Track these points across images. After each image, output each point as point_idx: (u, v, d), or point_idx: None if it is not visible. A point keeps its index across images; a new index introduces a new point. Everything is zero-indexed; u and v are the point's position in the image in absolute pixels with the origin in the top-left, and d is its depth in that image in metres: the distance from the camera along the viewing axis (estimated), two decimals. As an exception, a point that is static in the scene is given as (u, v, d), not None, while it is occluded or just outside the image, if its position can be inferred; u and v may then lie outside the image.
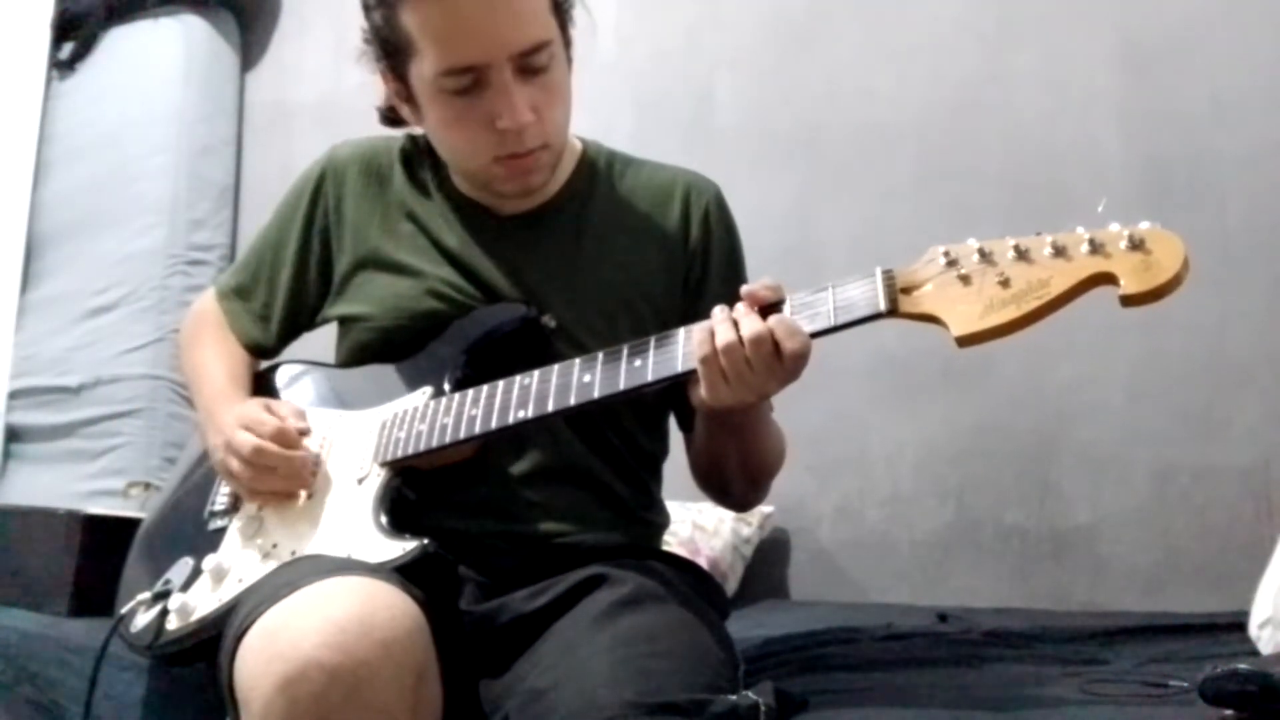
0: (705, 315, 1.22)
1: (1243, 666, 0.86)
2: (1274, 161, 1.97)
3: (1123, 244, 0.89)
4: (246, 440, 1.14)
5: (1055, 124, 2.18)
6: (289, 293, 1.33)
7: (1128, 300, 0.87)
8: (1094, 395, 2.03)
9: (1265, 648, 1.32)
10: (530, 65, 1.13)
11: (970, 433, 2.15)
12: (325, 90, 2.97)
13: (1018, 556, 2.09)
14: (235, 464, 1.15)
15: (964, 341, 0.92)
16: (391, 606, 0.93)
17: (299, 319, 1.35)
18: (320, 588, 0.94)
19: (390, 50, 1.16)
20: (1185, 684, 1.10)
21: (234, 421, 1.17)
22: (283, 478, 1.15)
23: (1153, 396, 1.99)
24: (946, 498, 2.17)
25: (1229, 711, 0.87)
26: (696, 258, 1.27)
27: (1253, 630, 1.37)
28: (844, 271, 2.26)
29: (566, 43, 1.19)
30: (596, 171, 1.30)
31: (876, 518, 2.24)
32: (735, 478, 1.26)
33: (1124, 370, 1.99)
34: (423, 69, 1.14)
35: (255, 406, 1.20)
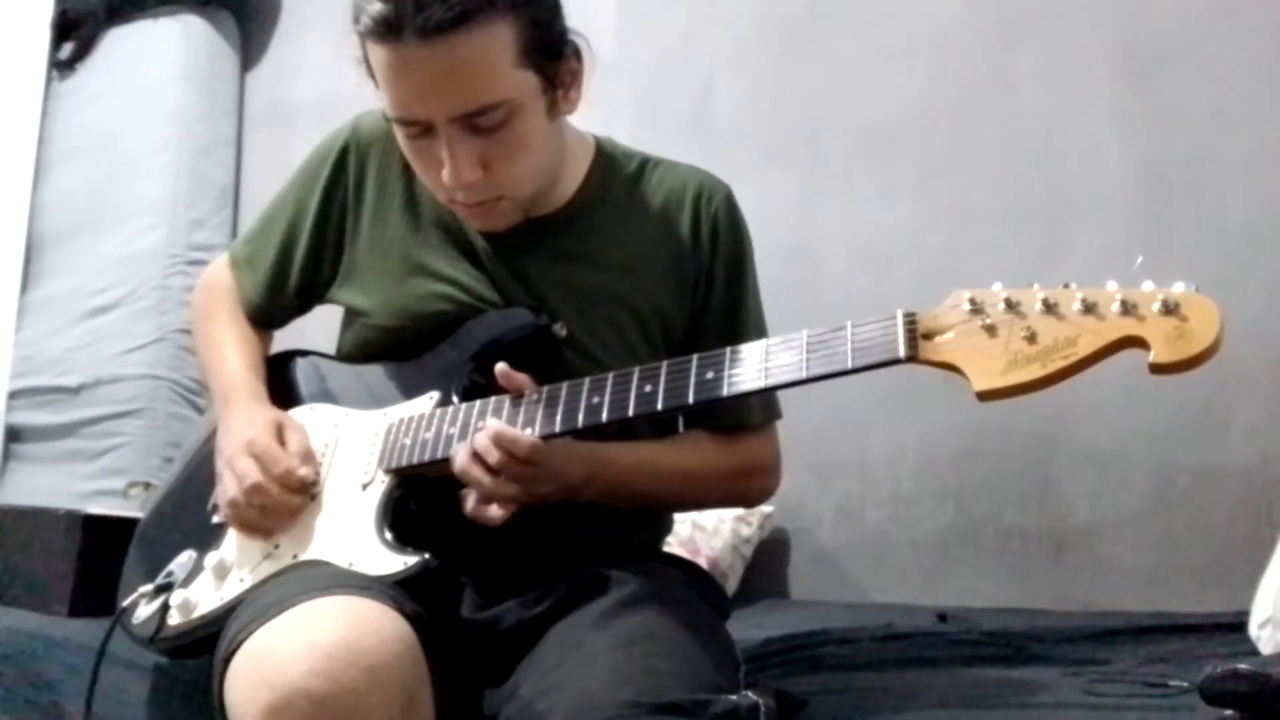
0: (707, 320, 1.24)
1: (1243, 666, 0.86)
2: (1274, 162, 1.97)
3: (1156, 306, 0.85)
4: (249, 471, 1.12)
5: (1055, 124, 2.18)
6: (303, 268, 1.31)
7: (1157, 369, 0.84)
8: (1094, 395, 2.02)
9: (1265, 648, 1.32)
10: (479, 124, 1.09)
11: (970, 433, 2.15)
12: (325, 90, 2.97)
13: (1018, 556, 2.09)
14: (231, 485, 1.13)
15: (984, 396, 0.89)
16: (380, 630, 0.92)
17: (311, 294, 1.33)
18: (308, 609, 0.93)
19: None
20: (1185, 684, 1.10)
21: (245, 444, 1.14)
22: (267, 517, 1.12)
23: (1153, 396, 1.99)
24: (946, 498, 2.17)
25: (1229, 711, 0.87)
26: (704, 264, 1.25)
27: (1253, 630, 1.37)
28: (844, 271, 2.27)
29: (555, 84, 1.14)
30: (610, 174, 1.28)
31: (876, 518, 2.24)
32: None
33: (1124, 370, 1.98)
34: (384, 104, 1.13)
35: (270, 436, 1.15)
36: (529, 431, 1.07)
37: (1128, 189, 2.08)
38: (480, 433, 1.06)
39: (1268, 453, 1.91)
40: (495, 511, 1.06)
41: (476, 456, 1.06)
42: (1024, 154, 2.20)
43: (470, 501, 1.06)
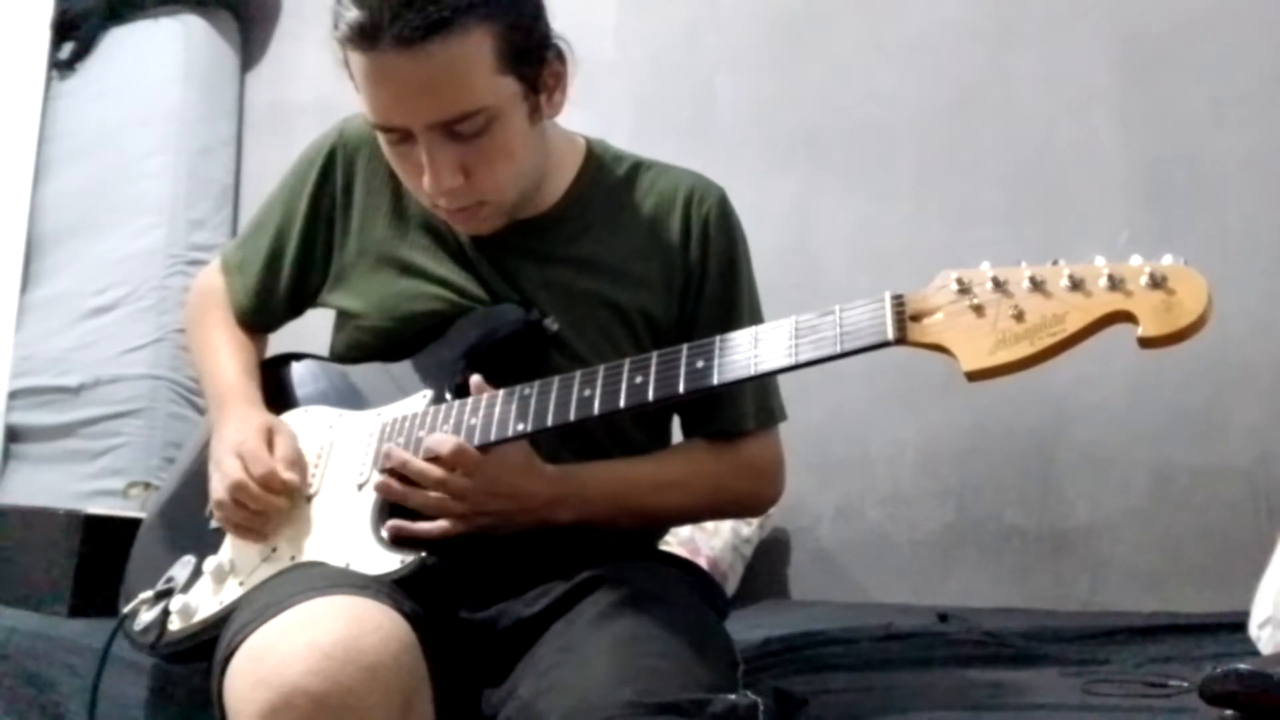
0: (699, 324, 1.22)
1: (1243, 666, 0.86)
2: (1274, 161, 1.97)
3: (1143, 280, 0.84)
4: (234, 470, 1.12)
5: (1055, 124, 2.18)
6: (293, 272, 1.31)
7: (1146, 343, 0.83)
8: (1094, 395, 2.03)
9: (1265, 648, 1.32)
10: (458, 131, 1.08)
11: (970, 433, 2.15)
12: (325, 90, 2.93)
13: (1018, 556, 2.09)
14: (218, 485, 1.14)
15: (974, 376, 0.88)
16: (379, 629, 0.92)
17: (302, 298, 1.33)
18: (307, 609, 0.94)
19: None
20: (1185, 684, 1.10)
21: (234, 445, 1.15)
22: (255, 518, 1.13)
23: (1153, 396, 1.99)
24: (946, 497, 2.17)
25: (1229, 711, 0.87)
26: (694, 268, 1.24)
27: (1253, 630, 1.37)
28: (844, 271, 2.26)
29: (537, 89, 1.13)
30: (600, 176, 1.28)
31: (876, 518, 2.24)
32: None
33: (1124, 370, 1.99)
34: (364, 109, 1.13)
35: (259, 439, 1.16)
36: (520, 427, 1.07)
37: (1128, 189, 2.08)
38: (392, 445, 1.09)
39: (1268, 453, 1.91)
40: (421, 526, 1.08)
41: (394, 471, 1.09)
42: (1024, 154, 2.20)
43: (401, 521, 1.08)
